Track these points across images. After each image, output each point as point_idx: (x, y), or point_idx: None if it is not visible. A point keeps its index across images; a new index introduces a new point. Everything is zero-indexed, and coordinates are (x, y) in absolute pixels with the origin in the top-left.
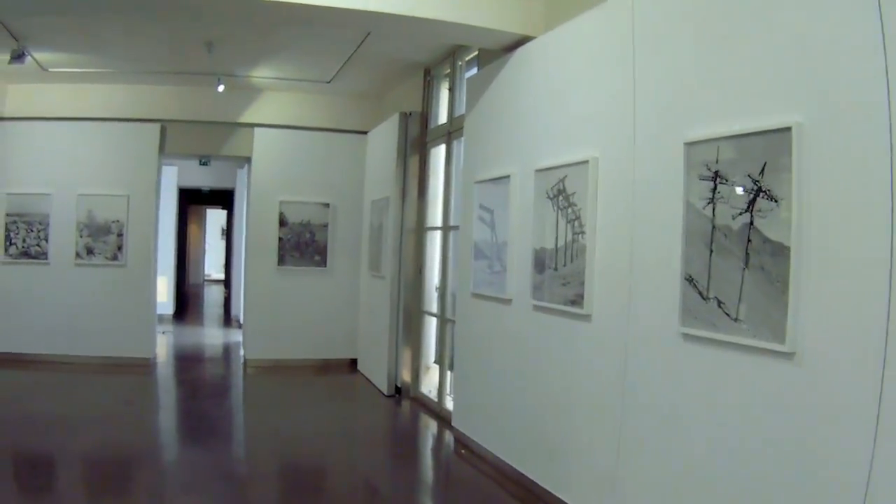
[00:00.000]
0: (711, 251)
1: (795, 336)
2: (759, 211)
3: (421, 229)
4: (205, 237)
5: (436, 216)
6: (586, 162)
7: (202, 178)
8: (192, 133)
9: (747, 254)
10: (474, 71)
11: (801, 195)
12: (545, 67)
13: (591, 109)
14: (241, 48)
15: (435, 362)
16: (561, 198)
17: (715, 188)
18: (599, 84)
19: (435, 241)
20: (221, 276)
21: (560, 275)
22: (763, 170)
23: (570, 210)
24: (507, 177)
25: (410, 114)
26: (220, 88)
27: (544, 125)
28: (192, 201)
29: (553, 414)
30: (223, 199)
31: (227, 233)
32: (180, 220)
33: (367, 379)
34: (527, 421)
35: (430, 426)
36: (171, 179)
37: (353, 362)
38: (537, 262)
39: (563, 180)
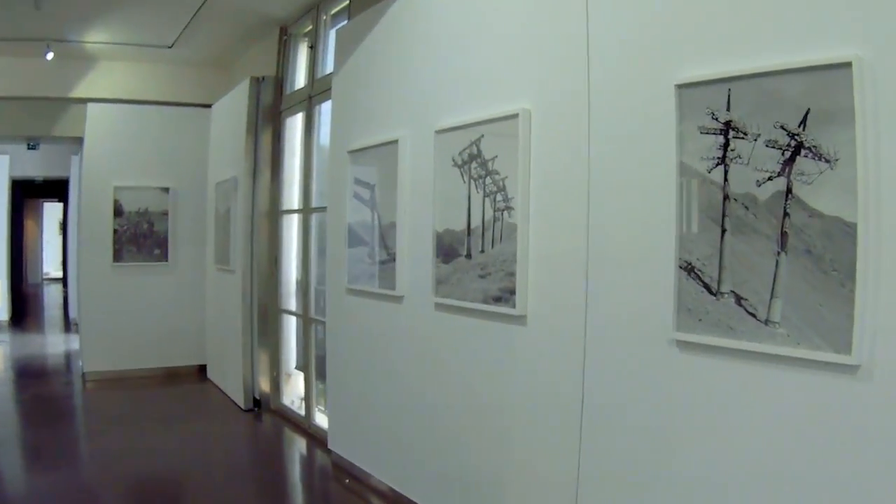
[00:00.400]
0: (724, 230)
1: (862, 343)
2: (802, 174)
3: (275, 213)
4: (42, 233)
5: (292, 197)
6: (514, 116)
7: (35, 168)
8: (18, 111)
9: (784, 233)
10: (344, 24)
11: (868, 153)
12: (448, 3)
13: (518, 49)
14: (72, 4)
15: (297, 369)
16: (475, 164)
17: (727, 144)
18: (532, 12)
19: (292, 227)
20: (60, 273)
21: (477, 264)
22: (805, 119)
23: (488, 180)
24: (394, 142)
25: (263, 78)
26: (49, 56)
27: (447, 75)
28: (27, 194)
29: (476, 444)
30: (58, 189)
31: (64, 227)
32: (14, 214)
33: (219, 389)
34: (438, 450)
35: (300, 448)
36: (2, 170)
37: (202, 369)
38: (442, 249)
39: (477, 142)
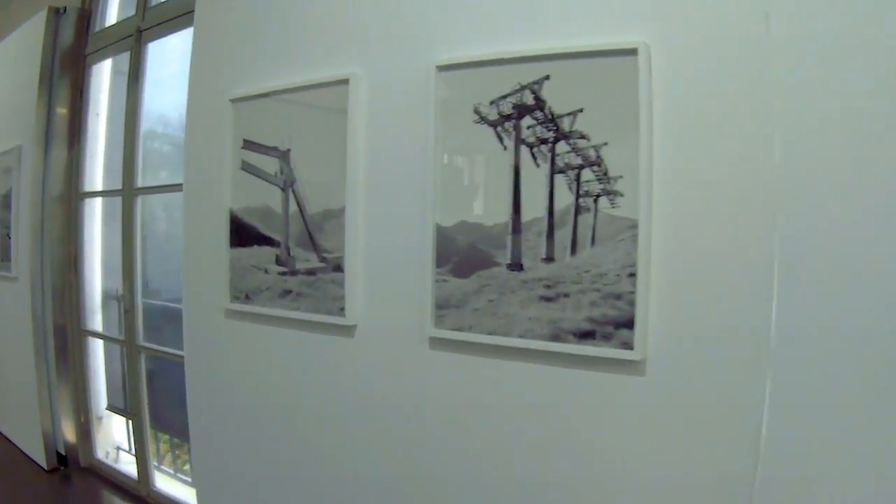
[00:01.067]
0: None
1: None
2: None
3: (74, 197)
4: None
5: (97, 174)
6: (628, 52)
7: None
8: None
9: None
10: None
11: None
12: None
13: None
14: None
15: (109, 409)
16: (531, 121)
17: None
18: None
19: (95, 216)
20: None
21: (536, 279)
22: None
23: (563, 146)
24: (340, 83)
25: (65, 10)
26: None
27: None
28: None
29: None
30: None
31: None
32: None
33: (5, 439)
34: None
35: None
36: None
37: None
38: (451, 254)
39: (534, 86)
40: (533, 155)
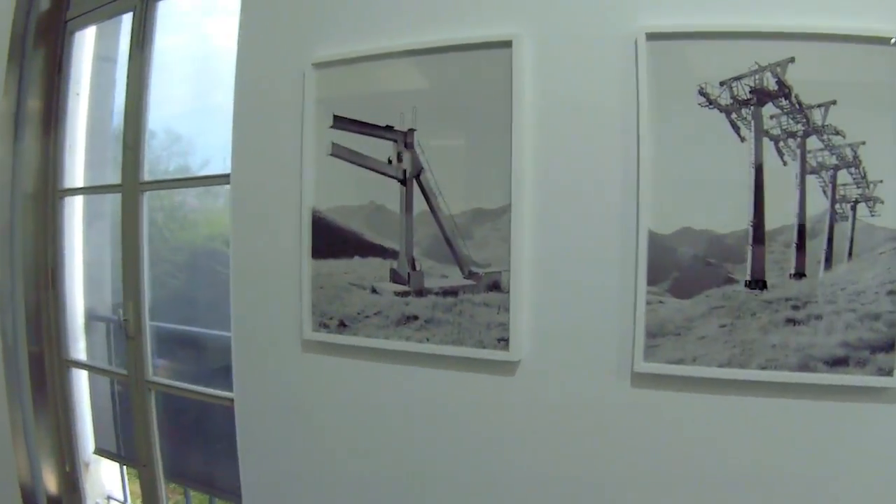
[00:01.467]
0: None
1: None
2: None
3: (51, 195)
4: None
5: (77, 166)
6: (884, 41)
7: None
8: None
9: None
10: None
11: None
12: None
13: None
14: None
15: (97, 453)
16: (774, 109)
17: None
18: None
19: (75, 218)
20: None
21: (781, 299)
22: None
23: (815, 142)
24: (502, 45)
25: None
26: None
27: None
28: None
29: None
30: None
31: None
32: None
33: None
34: None
35: None
36: None
37: None
38: (669, 267)
39: (776, 69)
40: (779, 150)
